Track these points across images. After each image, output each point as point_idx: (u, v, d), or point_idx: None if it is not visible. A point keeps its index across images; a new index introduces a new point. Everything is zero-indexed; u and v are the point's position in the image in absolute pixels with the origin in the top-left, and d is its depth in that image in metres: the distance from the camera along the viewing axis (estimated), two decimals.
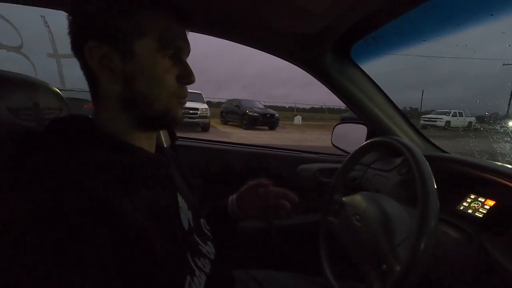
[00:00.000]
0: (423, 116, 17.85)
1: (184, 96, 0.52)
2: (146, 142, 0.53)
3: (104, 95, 0.48)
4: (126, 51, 0.45)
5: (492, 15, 0.62)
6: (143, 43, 0.45)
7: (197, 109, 9.82)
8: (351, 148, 0.91)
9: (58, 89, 0.70)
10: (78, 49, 0.46)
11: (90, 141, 0.45)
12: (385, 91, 1.08)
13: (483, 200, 0.71)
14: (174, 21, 0.48)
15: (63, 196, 0.35)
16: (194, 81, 0.52)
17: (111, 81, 0.46)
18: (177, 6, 0.49)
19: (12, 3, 0.75)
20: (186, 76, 0.51)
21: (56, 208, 0.34)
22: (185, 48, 0.51)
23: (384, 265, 0.59)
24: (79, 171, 0.39)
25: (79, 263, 0.33)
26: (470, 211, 0.71)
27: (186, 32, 0.52)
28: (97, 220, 0.36)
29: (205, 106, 10.54)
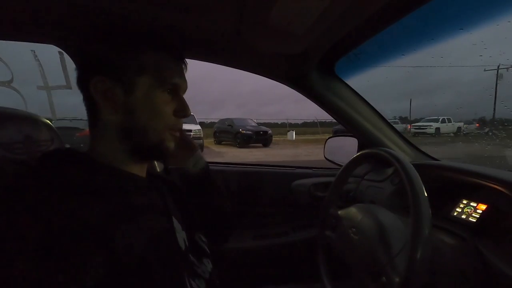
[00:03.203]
0: (413, 124, 18.16)
1: (178, 129, 0.57)
2: (138, 168, 0.55)
3: (103, 125, 0.51)
4: (128, 86, 0.49)
5: (461, 29, 0.67)
6: (143, 79, 0.50)
7: (190, 130, 9.82)
8: (344, 161, 0.93)
9: (49, 119, 0.70)
10: (83, 83, 0.51)
11: (84, 170, 0.46)
12: (376, 102, 1.11)
13: (475, 204, 0.72)
14: (171, 60, 0.54)
15: (57, 225, 0.36)
16: (190, 114, 0.56)
17: (113, 112, 0.50)
18: (173, 46, 0.55)
19: (3, 39, 0.77)
20: (182, 110, 0.55)
21: (51, 237, 0.35)
22: (182, 84, 0.56)
23: (384, 277, 0.59)
24: (73, 200, 0.40)
25: None
26: (463, 216, 0.72)
27: (183, 70, 0.58)
28: (92, 248, 0.37)
29: (198, 127, 10.58)
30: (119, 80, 0.49)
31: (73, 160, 0.48)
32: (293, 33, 0.68)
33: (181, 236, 0.58)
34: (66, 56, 0.88)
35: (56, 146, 0.67)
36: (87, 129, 0.54)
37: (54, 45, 0.81)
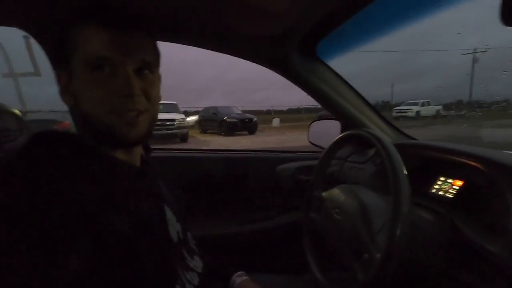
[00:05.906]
0: (394, 108, 18.64)
1: (126, 111, 0.46)
2: (126, 154, 0.53)
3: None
4: (69, 72, 0.46)
5: (440, 6, 0.67)
6: (75, 60, 0.45)
7: (173, 120, 9.63)
8: (327, 144, 0.93)
9: (24, 111, 0.66)
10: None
11: (73, 153, 0.45)
12: (362, 87, 1.11)
13: (452, 181, 0.74)
14: (99, 30, 0.44)
15: (43, 206, 0.35)
16: (133, 93, 0.45)
17: (69, 103, 0.49)
18: (105, 13, 0.46)
19: None
20: (122, 89, 0.44)
21: (36, 217, 0.34)
22: (119, 57, 0.45)
23: (366, 254, 0.61)
24: (61, 181, 0.39)
25: (59, 271, 0.33)
26: (441, 192, 0.74)
27: (126, 39, 0.46)
28: (78, 229, 0.37)
29: (182, 116, 10.38)
30: (65, 69, 0.46)
31: (64, 141, 0.46)
32: (271, 12, 0.66)
33: (175, 228, 0.57)
34: (33, 40, 0.82)
35: (25, 137, 0.63)
36: (65, 121, 0.52)
37: (18, 28, 0.75)
